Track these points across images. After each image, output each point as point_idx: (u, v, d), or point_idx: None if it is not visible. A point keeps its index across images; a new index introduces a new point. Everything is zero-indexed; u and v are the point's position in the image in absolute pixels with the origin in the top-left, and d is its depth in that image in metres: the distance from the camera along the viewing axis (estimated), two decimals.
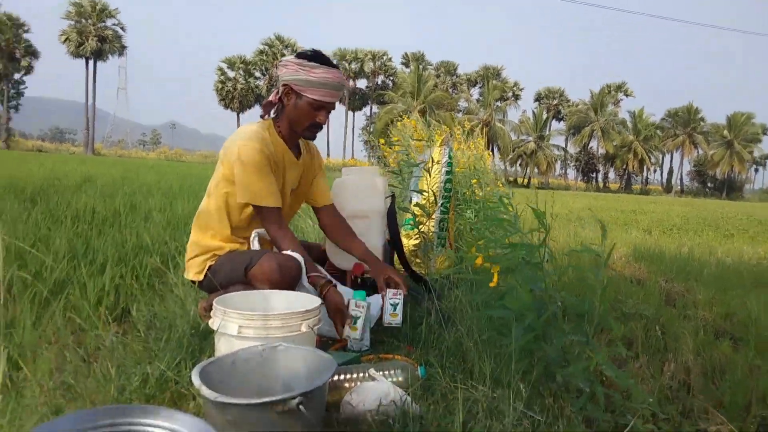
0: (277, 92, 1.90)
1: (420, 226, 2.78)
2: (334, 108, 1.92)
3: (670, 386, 2.02)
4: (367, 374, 1.42)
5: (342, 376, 1.44)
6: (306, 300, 1.48)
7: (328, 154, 51.16)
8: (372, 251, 2.18)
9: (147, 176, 12.02)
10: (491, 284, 1.40)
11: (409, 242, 2.88)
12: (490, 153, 5.94)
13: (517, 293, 1.32)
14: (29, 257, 2.55)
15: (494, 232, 1.54)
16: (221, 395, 0.97)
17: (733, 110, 58.87)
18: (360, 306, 1.73)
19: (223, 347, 1.31)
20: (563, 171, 62.65)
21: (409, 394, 1.34)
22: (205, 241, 1.89)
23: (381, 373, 1.43)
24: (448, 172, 2.90)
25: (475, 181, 3.75)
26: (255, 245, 1.83)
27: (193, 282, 1.93)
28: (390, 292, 1.85)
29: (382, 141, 3.68)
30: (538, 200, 1.64)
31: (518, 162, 53.03)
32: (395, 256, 2.38)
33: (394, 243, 2.30)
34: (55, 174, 9.67)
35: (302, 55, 1.84)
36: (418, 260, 2.89)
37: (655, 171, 64.72)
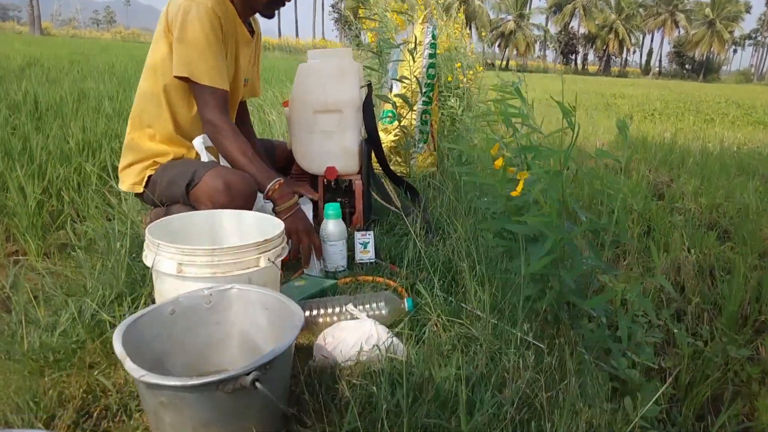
0: None
1: (400, 119, 2.44)
2: None
3: (662, 286, 1.92)
4: (345, 309, 1.19)
5: (315, 311, 1.20)
6: (265, 223, 1.19)
7: (297, 34, 48.23)
8: (347, 151, 1.87)
9: (99, 59, 11.01)
10: (514, 193, 1.12)
11: (387, 138, 2.56)
12: (469, 33, 5.45)
13: (540, 207, 1.06)
14: None
15: (497, 131, 1.27)
16: (148, 374, 0.71)
17: None
18: (365, 234, 1.63)
19: (163, 290, 1.04)
20: (542, 52, 60.95)
21: (395, 334, 1.12)
22: (143, 143, 1.54)
23: (362, 307, 1.20)
24: (431, 55, 2.51)
25: (458, 64, 3.35)
26: (202, 155, 1.49)
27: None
28: (358, 233, 1.65)
29: (361, 12, 3.18)
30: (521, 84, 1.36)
31: (497, 43, 51.06)
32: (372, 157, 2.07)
33: (371, 140, 1.98)
34: None
35: None
36: (398, 158, 2.59)
37: (634, 52, 63.55)
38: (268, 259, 1.04)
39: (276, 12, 1.58)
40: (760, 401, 1.28)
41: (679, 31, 58.71)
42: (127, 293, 1.24)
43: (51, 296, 1.29)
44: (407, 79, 2.36)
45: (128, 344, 0.79)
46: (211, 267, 0.99)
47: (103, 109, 4.35)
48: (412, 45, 2.34)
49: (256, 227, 1.21)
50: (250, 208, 1.42)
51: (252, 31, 1.65)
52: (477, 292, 1.33)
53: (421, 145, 2.59)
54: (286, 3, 1.55)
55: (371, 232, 1.65)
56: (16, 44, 13.60)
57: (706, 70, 59.00)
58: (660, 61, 63.94)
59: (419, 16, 2.49)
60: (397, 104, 2.42)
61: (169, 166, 1.51)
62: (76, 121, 3.67)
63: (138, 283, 1.29)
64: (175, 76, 1.43)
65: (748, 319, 1.69)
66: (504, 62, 50.86)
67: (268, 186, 1.42)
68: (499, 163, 1.15)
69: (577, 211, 1.12)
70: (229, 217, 1.25)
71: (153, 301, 1.18)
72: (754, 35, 74.16)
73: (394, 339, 1.10)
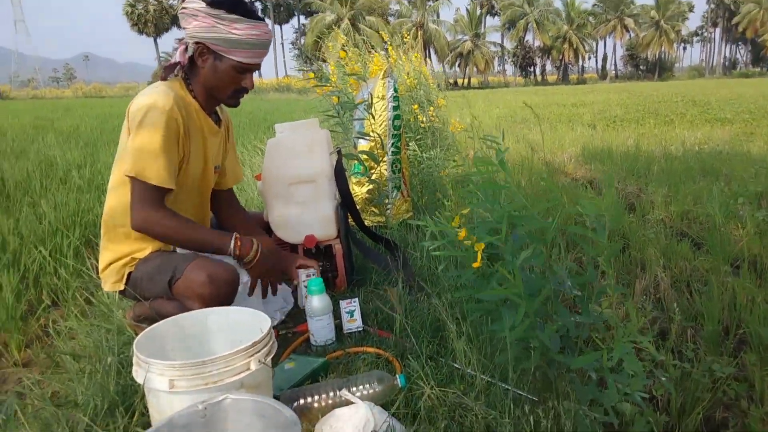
0: (185, 49, 1.50)
1: (371, 172, 2.49)
2: (259, 68, 1.57)
3: (642, 305, 1.97)
4: (338, 394, 1.20)
5: (309, 398, 1.21)
6: (251, 320, 1.20)
7: (260, 75, 48.63)
8: (324, 218, 1.90)
9: (63, 122, 10.92)
10: (474, 264, 1.16)
11: (361, 190, 2.60)
12: (428, 59, 5.56)
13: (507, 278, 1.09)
14: None
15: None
16: None
17: None
18: (350, 302, 1.67)
19: (155, 404, 1.05)
20: (501, 67, 62.38)
21: (391, 415, 1.13)
22: (118, 244, 1.54)
23: (355, 389, 1.21)
24: (395, 107, 2.57)
25: (416, 106, 3.42)
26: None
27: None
28: (343, 302, 1.68)
29: (331, 63, 3.24)
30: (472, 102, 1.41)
31: (456, 63, 52.13)
32: (349, 219, 2.11)
33: (346, 203, 2.02)
34: None
35: (217, 4, 1.43)
36: (373, 209, 2.63)
37: (590, 59, 65.50)
38: (259, 361, 1.05)
39: (240, 101, 1.61)
40: (751, 418, 1.31)
41: (630, 35, 60.85)
42: (120, 402, 1.23)
43: (40, 410, 1.27)
44: (369, 136, 2.42)
45: None
46: (203, 378, 1.00)
47: (73, 180, 4.30)
48: (372, 102, 2.40)
49: (244, 323, 1.22)
50: (234, 295, 1.44)
51: (219, 120, 1.67)
52: (467, 353, 1.36)
53: (395, 193, 2.64)
54: (250, 90, 1.58)
55: (356, 300, 1.67)
56: None
57: (660, 69, 61.04)
58: (615, 64, 66.08)
59: (374, 70, 2.56)
60: (364, 160, 2.47)
61: (148, 261, 1.51)
62: (46, 198, 3.63)
63: (129, 389, 1.28)
64: (126, 175, 1.43)
65: (729, 332, 1.73)
66: (465, 80, 51.89)
67: (230, 247, 1.48)
68: (462, 234, 1.18)
69: (562, 274, 1.16)
70: (215, 316, 1.26)
71: (147, 410, 1.18)
72: (700, 32, 77.19)
73: (392, 421, 1.11)
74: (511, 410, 1.13)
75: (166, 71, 1.53)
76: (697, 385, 1.39)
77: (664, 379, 1.31)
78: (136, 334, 1.57)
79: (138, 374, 1.04)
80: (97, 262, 1.62)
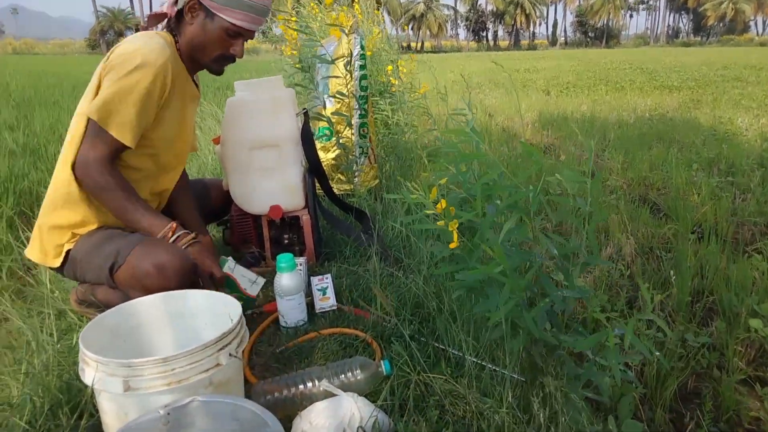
0: (175, 1, 1.34)
1: (340, 136, 2.33)
2: (252, 37, 1.41)
3: (609, 273, 1.95)
4: (317, 385, 1.08)
5: (285, 392, 1.08)
6: (217, 305, 1.04)
7: None
8: (291, 187, 1.74)
9: None
10: (451, 245, 1.05)
11: (327, 156, 2.43)
12: (382, 17, 5.33)
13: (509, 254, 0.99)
14: None
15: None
16: None
17: None
18: (323, 279, 1.54)
19: (108, 408, 0.89)
20: (454, 32, 62.11)
21: (378, 407, 1.02)
22: (64, 211, 1.34)
23: (336, 379, 1.09)
24: (362, 67, 2.39)
25: (390, 68, 3.25)
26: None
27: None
28: (315, 278, 1.55)
29: (280, 18, 2.99)
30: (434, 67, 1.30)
31: (410, 26, 51.41)
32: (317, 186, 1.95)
33: (314, 170, 1.86)
34: None
35: None
36: (340, 175, 2.47)
37: (540, 25, 65.96)
38: (230, 354, 0.91)
39: (224, 69, 1.45)
40: (723, 387, 1.30)
41: (580, 2, 61.54)
42: (64, 401, 1.06)
43: None
44: (343, 95, 2.24)
45: None
46: (165, 378, 0.85)
47: (4, 144, 3.91)
48: (344, 60, 2.22)
49: (208, 309, 1.07)
50: (188, 285, 1.26)
51: (197, 85, 1.53)
52: (450, 332, 1.27)
53: (362, 159, 2.49)
54: (236, 59, 1.42)
55: (329, 276, 1.54)
56: None
57: (608, 37, 62.27)
58: (565, 31, 66.90)
59: (346, 25, 2.36)
60: (335, 122, 2.30)
61: (89, 238, 1.33)
62: None
63: (74, 386, 1.11)
64: (87, 115, 1.27)
65: (697, 301, 1.73)
66: (418, 44, 51.34)
67: (159, 236, 1.31)
68: (440, 207, 1.07)
69: (549, 245, 1.06)
70: (174, 300, 1.09)
71: (96, 410, 1.02)
72: (646, 0, 78.83)
73: (379, 414, 1.01)
74: (507, 397, 1.04)
75: (149, 21, 1.37)
76: (672, 355, 1.39)
77: (658, 354, 1.26)
78: (82, 319, 1.39)
79: (85, 374, 0.88)
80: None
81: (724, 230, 2.28)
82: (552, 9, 64.96)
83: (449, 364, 1.21)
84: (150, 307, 1.08)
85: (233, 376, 0.96)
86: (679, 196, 2.75)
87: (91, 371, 0.87)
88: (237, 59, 1.44)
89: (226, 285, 1.42)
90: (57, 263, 1.35)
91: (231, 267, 1.43)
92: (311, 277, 1.55)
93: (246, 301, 1.44)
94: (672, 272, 1.80)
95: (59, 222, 1.34)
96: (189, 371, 0.87)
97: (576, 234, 1.17)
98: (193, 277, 1.25)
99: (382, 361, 1.15)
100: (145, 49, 1.27)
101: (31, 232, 1.41)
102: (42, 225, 1.36)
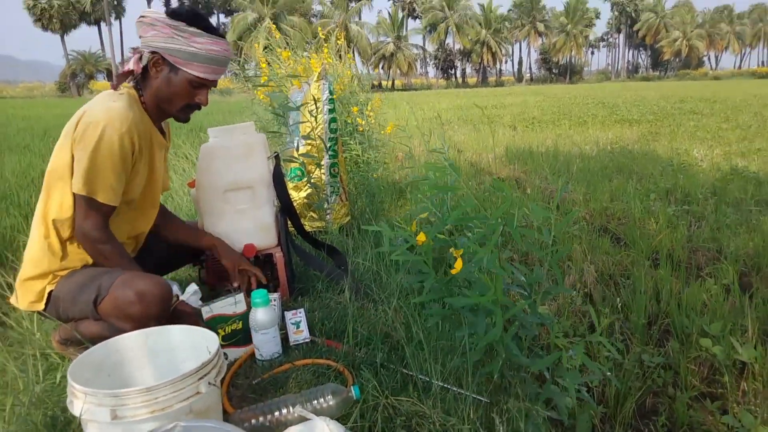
0: (140, 58, 1.43)
1: (311, 177, 2.44)
2: (216, 86, 1.51)
3: (572, 301, 2.05)
4: (292, 411, 1.15)
5: (261, 418, 1.15)
6: (195, 339, 1.12)
7: None
8: (264, 226, 1.83)
9: None
10: (453, 271, 1.15)
11: (299, 195, 2.54)
12: (353, 58, 5.52)
13: (482, 283, 1.09)
14: None
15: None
16: None
17: None
18: (296, 313, 1.61)
19: None
20: (424, 70, 63.68)
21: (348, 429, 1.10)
22: (43, 257, 1.42)
23: (309, 404, 1.17)
24: (331, 110, 2.53)
25: (355, 108, 3.40)
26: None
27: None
28: (288, 312, 1.63)
29: (263, 61, 3.13)
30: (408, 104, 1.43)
31: (380, 65, 52.59)
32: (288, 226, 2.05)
33: (286, 209, 1.95)
34: None
35: (177, 15, 1.40)
36: (312, 213, 2.57)
37: (506, 62, 68.22)
38: (209, 383, 0.99)
39: (190, 116, 1.55)
40: (678, 403, 1.38)
41: (542, 40, 64.05)
42: None
43: None
44: (311, 138, 2.37)
45: None
46: (149, 406, 0.92)
47: None
48: (312, 105, 2.35)
49: (187, 342, 1.15)
50: (167, 313, 1.35)
51: (163, 132, 1.62)
52: (418, 358, 1.35)
53: (333, 198, 2.60)
54: (202, 107, 1.52)
55: (302, 310, 1.62)
56: None
57: (571, 73, 64.68)
58: (530, 67, 69.35)
59: (313, 68, 2.51)
60: (306, 163, 2.41)
61: (70, 277, 1.41)
62: None
63: (60, 421, 1.16)
64: (74, 192, 1.37)
65: (653, 323, 1.83)
66: (389, 82, 52.45)
67: None
68: (421, 238, 1.17)
69: (516, 274, 1.17)
70: (154, 336, 1.17)
71: None
72: (606, 37, 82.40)
73: None
74: (469, 415, 1.13)
75: (118, 79, 1.46)
76: (630, 374, 1.47)
77: (609, 374, 1.36)
78: (63, 360, 1.44)
79: (74, 406, 0.94)
80: (12, 279, 1.48)
81: (679, 256, 2.40)
82: (517, 47, 67.43)
83: (416, 389, 1.30)
84: (132, 343, 1.15)
85: (212, 405, 1.03)
86: (637, 225, 2.89)
87: (80, 403, 0.93)
88: (203, 107, 1.54)
89: (218, 322, 1.49)
90: (41, 306, 1.41)
91: (207, 311, 1.49)
92: (285, 312, 1.62)
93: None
94: (627, 294, 1.92)
95: (41, 270, 1.42)
96: (171, 399, 0.94)
97: (540, 264, 1.27)
98: (169, 306, 1.34)
99: (352, 387, 1.23)
100: (107, 118, 1.36)
101: (5, 275, 1.47)
102: (24, 278, 1.45)
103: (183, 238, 1.76)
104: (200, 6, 49.79)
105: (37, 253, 1.43)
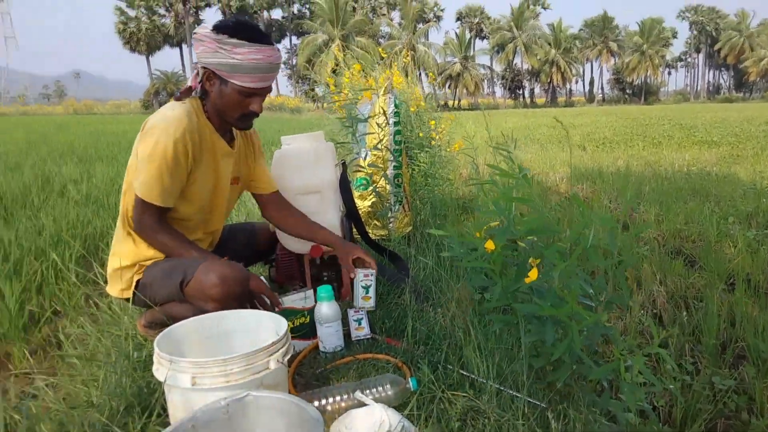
0: (197, 74, 1.55)
1: (376, 186, 2.53)
2: (270, 92, 1.58)
3: (640, 320, 2.00)
4: (352, 396, 1.22)
5: (323, 401, 1.23)
6: (268, 322, 1.22)
7: None
8: (330, 228, 1.93)
9: (57, 137, 10.90)
10: (527, 280, 1.17)
11: (364, 204, 2.64)
12: (419, 80, 5.60)
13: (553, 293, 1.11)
14: None
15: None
16: None
17: (644, 16, 60.78)
18: (368, 276, 1.73)
19: (176, 401, 1.06)
20: (491, 90, 63.28)
21: (405, 416, 1.16)
22: (128, 250, 1.58)
23: (368, 391, 1.24)
24: (396, 123, 2.63)
25: (432, 122, 3.49)
26: None
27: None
28: (361, 273, 1.71)
29: (331, 81, 3.31)
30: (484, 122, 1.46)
31: (447, 85, 52.80)
32: (353, 229, 2.14)
33: (350, 215, 2.05)
34: None
35: (221, 29, 1.45)
36: (376, 221, 2.66)
37: (577, 82, 66.66)
38: (278, 361, 1.07)
39: (251, 123, 1.64)
40: (751, 430, 1.32)
41: (615, 59, 62.18)
42: (136, 402, 1.24)
43: (54, 412, 1.27)
44: (378, 149, 2.47)
45: None
46: (225, 376, 1.02)
47: (70, 195, 4.31)
48: (381, 117, 2.46)
49: (260, 325, 1.25)
50: (245, 294, 1.46)
51: (233, 140, 1.70)
52: (476, 361, 1.39)
53: (396, 207, 2.68)
54: (259, 114, 1.60)
55: (373, 274, 1.70)
56: None
57: (646, 93, 62.22)
58: (602, 87, 67.38)
59: (381, 84, 2.62)
60: (371, 173, 2.51)
61: (156, 265, 1.55)
62: (45, 211, 3.64)
63: (144, 391, 1.29)
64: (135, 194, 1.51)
65: (726, 347, 1.76)
66: (456, 102, 52.50)
67: None
68: (490, 246, 1.21)
69: (585, 288, 1.18)
70: (231, 318, 1.28)
71: (164, 410, 1.20)
72: (684, 57, 79.01)
73: (405, 423, 1.14)
74: (525, 413, 1.15)
75: (182, 95, 1.57)
76: (699, 396, 1.42)
77: (672, 387, 1.33)
78: (146, 341, 1.58)
79: (159, 372, 1.06)
80: (103, 270, 1.65)
81: (758, 280, 2.28)
82: (588, 66, 65.81)
83: (472, 387, 1.34)
84: (213, 322, 1.27)
85: (281, 382, 1.12)
86: (713, 248, 2.76)
87: (164, 370, 1.04)
88: (260, 114, 1.60)
89: (288, 314, 1.57)
90: (129, 294, 1.57)
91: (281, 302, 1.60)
92: (348, 309, 1.71)
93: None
94: (699, 317, 1.84)
95: (128, 262, 1.58)
96: (244, 372, 1.04)
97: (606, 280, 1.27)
98: (247, 289, 1.45)
99: (410, 379, 1.29)
100: (163, 124, 1.47)
101: (96, 269, 1.64)
102: (113, 268, 1.61)
103: (302, 232, 1.84)
104: (273, 29, 52.05)
105: (123, 247, 1.59)
